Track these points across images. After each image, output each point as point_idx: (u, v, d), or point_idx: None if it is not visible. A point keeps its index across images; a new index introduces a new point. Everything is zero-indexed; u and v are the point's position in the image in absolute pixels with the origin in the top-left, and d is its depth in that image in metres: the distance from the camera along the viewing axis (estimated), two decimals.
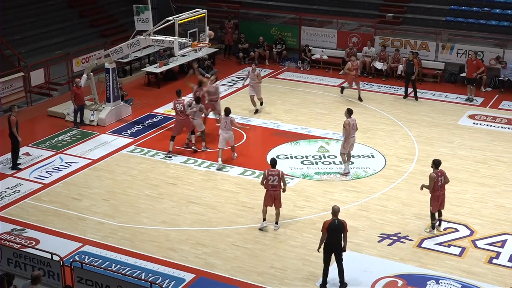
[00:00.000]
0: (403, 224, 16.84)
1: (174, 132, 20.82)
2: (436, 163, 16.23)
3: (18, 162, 19.90)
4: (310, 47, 29.58)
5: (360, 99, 25.03)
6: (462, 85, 26.38)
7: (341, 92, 25.68)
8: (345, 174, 19.29)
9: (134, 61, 28.23)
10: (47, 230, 16.63)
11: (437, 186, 16.13)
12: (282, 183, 16.23)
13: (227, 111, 19.77)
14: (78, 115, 22.92)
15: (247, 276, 14.78)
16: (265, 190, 16.33)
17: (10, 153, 19.86)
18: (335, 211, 14.16)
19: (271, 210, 16.54)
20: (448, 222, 16.86)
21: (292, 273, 14.89)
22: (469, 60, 25.77)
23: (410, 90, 25.39)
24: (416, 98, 25.19)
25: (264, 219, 16.50)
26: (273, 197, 16.26)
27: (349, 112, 19.27)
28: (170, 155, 20.49)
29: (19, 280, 13.30)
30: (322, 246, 14.28)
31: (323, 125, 22.92)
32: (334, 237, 14.10)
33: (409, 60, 25.19)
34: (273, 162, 16.42)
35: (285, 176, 16.61)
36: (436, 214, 16.45)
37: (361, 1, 31.15)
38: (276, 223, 16.62)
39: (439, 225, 16.55)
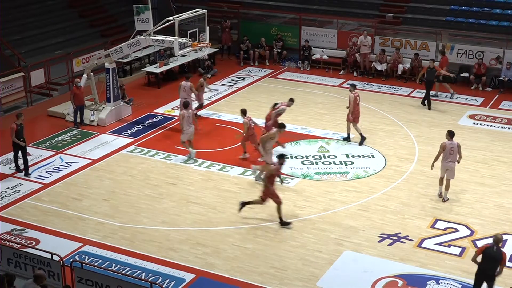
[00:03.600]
0: (403, 224, 16.84)
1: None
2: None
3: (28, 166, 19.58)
4: (310, 47, 29.60)
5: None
6: (462, 85, 26.41)
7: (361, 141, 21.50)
8: (444, 200, 17.84)
9: (134, 61, 28.24)
10: (47, 230, 16.62)
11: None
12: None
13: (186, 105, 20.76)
14: (78, 115, 22.92)
15: (247, 276, 14.77)
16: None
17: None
18: (498, 239, 12.83)
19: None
20: (448, 222, 16.87)
21: (292, 273, 14.89)
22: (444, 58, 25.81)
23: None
24: (424, 103, 24.91)
25: (245, 152, 20.33)
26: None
27: (450, 135, 17.57)
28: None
29: (19, 281, 13.25)
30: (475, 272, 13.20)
31: (323, 125, 22.92)
32: (488, 265, 12.86)
33: (429, 67, 24.43)
34: (244, 111, 20.04)
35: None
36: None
37: (361, 1, 31.16)
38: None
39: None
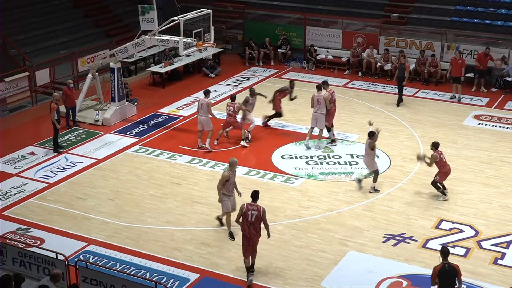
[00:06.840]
0: (408, 224, 16.82)
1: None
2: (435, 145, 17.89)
3: (60, 145, 21.09)
4: (315, 47, 29.61)
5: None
6: (467, 85, 26.35)
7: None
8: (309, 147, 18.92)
9: (139, 61, 28.28)
10: (52, 229, 16.64)
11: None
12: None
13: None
14: (71, 115, 22.91)
15: None
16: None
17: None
18: (445, 253, 12.72)
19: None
20: (453, 222, 16.84)
21: (297, 273, 14.88)
22: (454, 59, 25.50)
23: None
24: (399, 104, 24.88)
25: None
26: None
27: (318, 87, 19.74)
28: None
29: (28, 281, 13.20)
30: None
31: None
32: (447, 282, 12.61)
33: (400, 63, 24.60)
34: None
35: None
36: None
37: (366, 1, 31.15)
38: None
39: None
